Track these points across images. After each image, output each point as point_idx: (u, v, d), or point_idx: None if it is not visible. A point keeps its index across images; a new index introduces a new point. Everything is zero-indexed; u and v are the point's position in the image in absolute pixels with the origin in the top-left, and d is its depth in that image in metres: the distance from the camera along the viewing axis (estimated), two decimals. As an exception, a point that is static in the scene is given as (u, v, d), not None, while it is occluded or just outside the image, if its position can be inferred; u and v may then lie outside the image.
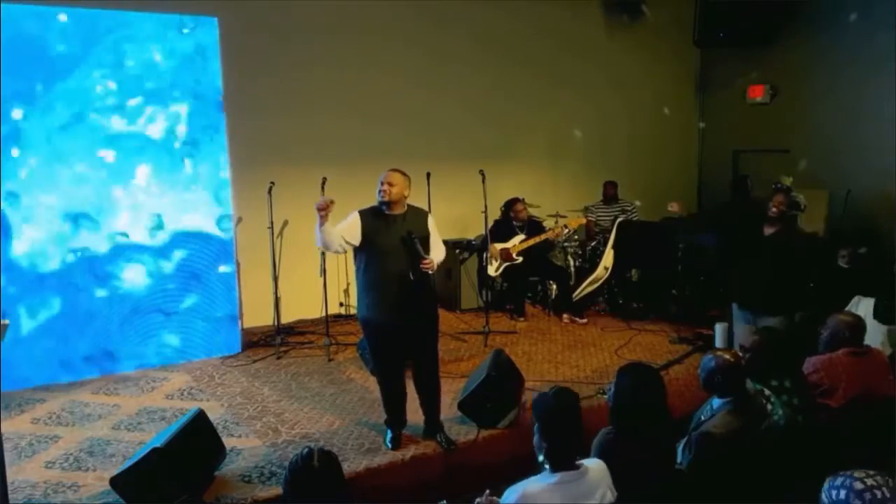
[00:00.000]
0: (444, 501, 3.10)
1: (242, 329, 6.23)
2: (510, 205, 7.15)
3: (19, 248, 5.17)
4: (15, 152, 5.08)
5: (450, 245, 6.32)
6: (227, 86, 5.84)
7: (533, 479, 2.59)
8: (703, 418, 3.30)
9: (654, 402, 3.04)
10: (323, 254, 5.86)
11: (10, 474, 3.53)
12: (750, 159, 8.53)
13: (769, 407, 3.43)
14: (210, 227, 5.83)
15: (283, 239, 6.49)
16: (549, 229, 7.04)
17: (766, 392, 3.49)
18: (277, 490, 3.56)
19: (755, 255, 4.76)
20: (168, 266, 5.67)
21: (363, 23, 6.98)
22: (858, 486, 1.90)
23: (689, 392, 4.70)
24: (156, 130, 5.56)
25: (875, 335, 5.06)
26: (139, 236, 5.55)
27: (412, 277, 3.93)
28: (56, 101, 5.19)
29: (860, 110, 7.45)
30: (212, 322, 5.87)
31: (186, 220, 5.72)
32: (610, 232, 7.35)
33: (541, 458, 2.61)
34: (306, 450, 2.65)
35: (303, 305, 6.65)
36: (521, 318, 6.95)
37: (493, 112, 7.80)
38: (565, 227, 7.13)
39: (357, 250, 4.04)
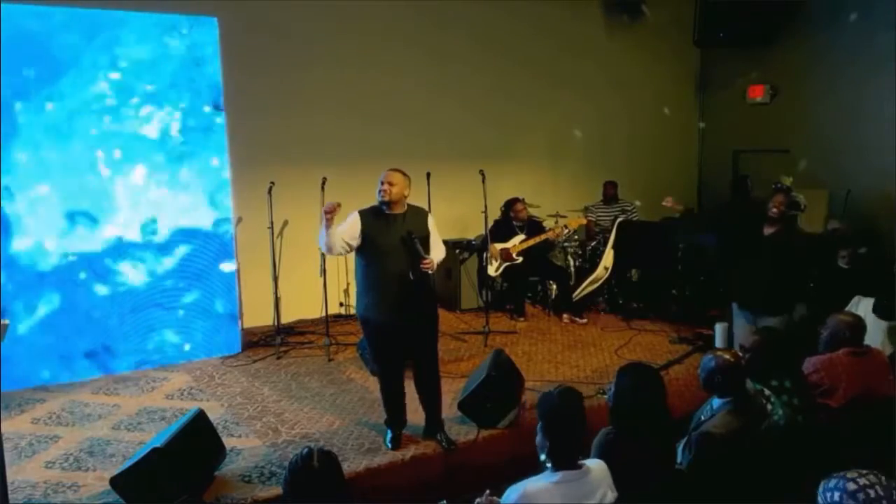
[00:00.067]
0: (444, 501, 3.10)
1: (242, 329, 6.23)
2: (510, 205, 7.15)
3: (19, 245, 5.16)
4: (14, 150, 5.08)
5: (450, 245, 6.32)
6: (227, 86, 5.84)
7: (534, 478, 2.59)
8: (703, 418, 3.30)
9: (654, 402, 3.04)
10: (323, 254, 5.86)
11: (10, 474, 3.53)
12: (750, 159, 8.53)
13: (769, 407, 3.43)
14: (210, 227, 5.83)
15: (283, 239, 6.49)
16: (549, 229, 7.03)
17: (766, 392, 3.49)
18: (277, 490, 3.56)
19: (755, 255, 4.76)
20: (167, 264, 5.66)
21: (363, 23, 6.98)
22: (851, 486, 1.90)
23: (689, 392, 4.70)
24: (155, 130, 5.56)
25: (875, 335, 5.06)
26: (139, 235, 5.55)
27: (412, 277, 3.93)
28: (55, 100, 5.19)
29: (860, 110, 7.45)
30: (212, 320, 5.87)
31: (186, 219, 5.71)
32: (610, 232, 7.35)
33: (542, 457, 2.60)
34: (306, 450, 2.65)
35: (303, 305, 6.65)
36: (521, 318, 6.95)
37: (493, 112, 7.80)
38: (565, 227, 7.13)
39: (357, 250, 4.04)
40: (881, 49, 7.09)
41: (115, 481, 3.48)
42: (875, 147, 7.20)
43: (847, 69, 7.53)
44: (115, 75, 5.38)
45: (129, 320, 5.55)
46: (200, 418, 3.88)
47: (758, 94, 8.28)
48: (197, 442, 3.74)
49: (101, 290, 5.45)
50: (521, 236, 7.01)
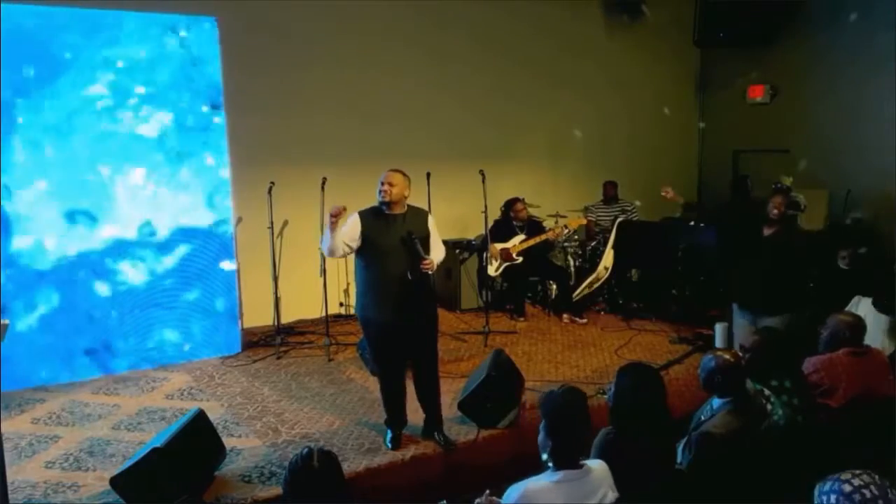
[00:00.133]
0: (444, 501, 3.10)
1: (242, 329, 6.23)
2: (510, 205, 7.15)
3: (18, 244, 5.16)
4: (14, 149, 5.08)
5: (450, 245, 6.32)
6: (227, 86, 5.84)
7: (535, 477, 2.59)
8: (703, 418, 3.30)
9: (654, 402, 3.04)
10: (323, 254, 5.87)
11: (10, 474, 3.53)
12: (750, 159, 8.53)
13: (769, 407, 3.43)
14: (209, 226, 5.83)
15: (283, 239, 6.49)
16: (549, 229, 7.03)
17: (766, 392, 3.49)
18: (277, 490, 3.56)
19: (755, 256, 4.77)
20: (167, 264, 5.66)
21: (363, 23, 6.98)
22: (847, 488, 1.90)
23: (689, 392, 4.70)
24: (154, 129, 5.55)
25: (875, 335, 5.06)
26: (139, 234, 5.55)
27: (412, 277, 3.93)
28: (54, 100, 5.18)
29: (860, 110, 7.45)
30: (212, 320, 5.87)
31: (185, 218, 5.72)
32: (610, 232, 7.35)
33: (545, 456, 2.60)
34: (306, 450, 2.65)
35: (303, 305, 6.65)
36: (521, 318, 6.95)
37: (493, 112, 7.80)
38: (565, 227, 7.13)
39: (357, 251, 4.05)
40: (881, 49, 7.10)
41: (115, 481, 3.48)
42: (875, 147, 7.20)
43: (847, 69, 7.53)
44: (113, 75, 5.37)
45: (129, 319, 5.55)
46: (200, 418, 3.88)
47: (758, 94, 8.28)
48: (197, 442, 3.74)
49: (101, 289, 5.45)
50: (521, 236, 7.01)
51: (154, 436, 3.98)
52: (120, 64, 5.39)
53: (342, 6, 6.87)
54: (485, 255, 6.89)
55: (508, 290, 7.26)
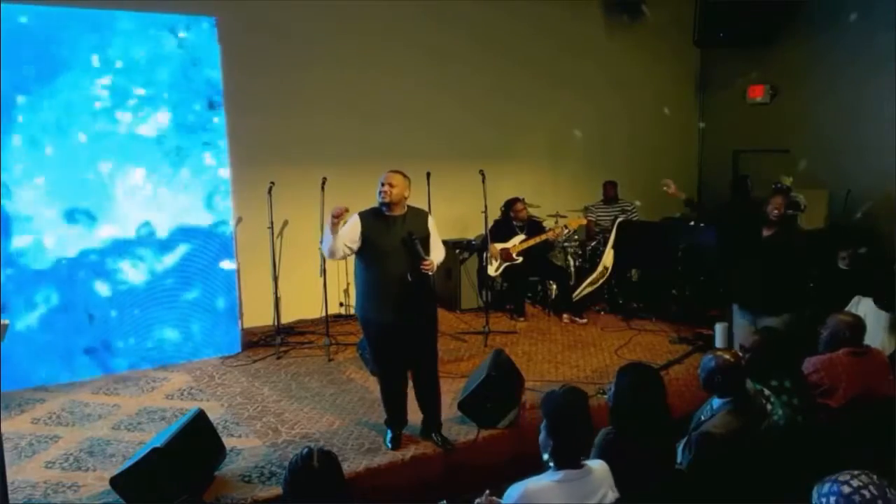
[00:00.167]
0: (444, 501, 3.10)
1: (242, 329, 6.23)
2: (510, 205, 7.15)
3: (18, 243, 5.17)
4: (14, 147, 5.09)
5: (450, 245, 6.32)
6: (227, 86, 5.84)
7: (536, 477, 2.58)
8: (703, 418, 3.30)
9: (654, 402, 3.04)
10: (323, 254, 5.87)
11: (10, 474, 3.53)
12: (750, 159, 8.53)
13: (769, 407, 3.43)
14: (209, 226, 5.83)
15: (283, 239, 6.48)
16: (549, 229, 7.03)
17: (766, 392, 3.49)
18: (277, 490, 3.56)
19: (755, 256, 4.77)
20: (167, 263, 5.67)
21: (363, 23, 6.98)
22: (846, 489, 1.89)
23: (689, 392, 4.70)
24: (153, 128, 5.56)
25: (875, 335, 5.06)
26: (138, 233, 5.55)
27: (412, 278, 3.93)
28: (53, 99, 5.19)
29: (860, 110, 7.45)
30: (212, 319, 5.88)
31: (185, 218, 5.72)
32: (610, 232, 7.35)
33: (546, 456, 2.60)
34: (306, 450, 2.65)
35: (303, 305, 6.65)
36: (521, 318, 6.95)
37: (493, 112, 7.80)
38: (565, 227, 7.13)
39: (357, 251, 4.04)
40: (881, 49, 7.10)
41: (115, 481, 3.48)
42: (875, 147, 7.20)
43: (847, 69, 7.53)
44: (113, 75, 5.38)
45: (129, 318, 5.56)
46: (200, 418, 3.88)
47: (758, 94, 8.28)
48: (197, 442, 3.74)
49: (101, 288, 5.45)
50: (521, 236, 7.01)
51: (154, 436, 3.98)
52: (119, 64, 5.39)
53: (342, 6, 6.87)
54: (485, 255, 6.89)
55: (508, 290, 7.26)
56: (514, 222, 7.10)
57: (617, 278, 7.27)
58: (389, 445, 4.14)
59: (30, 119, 5.14)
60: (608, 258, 7.18)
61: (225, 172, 5.88)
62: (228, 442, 4.14)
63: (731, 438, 3.01)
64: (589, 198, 8.09)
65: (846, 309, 5.04)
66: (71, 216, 5.33)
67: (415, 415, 4.29)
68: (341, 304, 7.07)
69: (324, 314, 6.05)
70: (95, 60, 5.31)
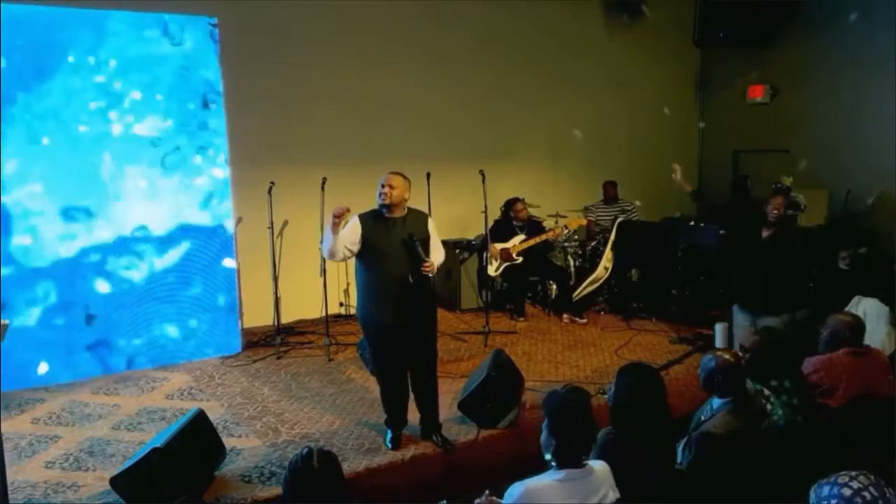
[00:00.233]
0: (444, 501, 3.10)
1: (242, 329, 6.23)
2: (510, 205, 7.15)
3: (18, 241, 5.17)
4: (13, 146, 5.09)
5: (450, 245, 6.33)
6: (227, 86, 5.84)
7: (537, 476, 2.58)
8: (703, 418, 3.30)
9: (654, 402, 3.04)
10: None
11: (10, 474, 3.53)
12: (750, 159, 8.53)
13: (769, 407, 3.43)
14: (208, 225, 5.83)
15: (283, 239, 6.49)
16: (549, 229, 7.03)
17: (766, 392, 3.49)
18: (277, 490, 3.56)
19: (755, 256, 4.78)
20: (166, 261, 5.67)
21: (363, 23, 6.98)
22: (847, 492, 1.88)
23: (689, 392, 4.70)
24: (154, 128, 5.56)
25: (876, 335, 5.07)
26: (138, 232, 5.56)
27: (412, 280, 3.93)
28: (51, 97, 5.19)
29: (860, 110, 7.45)
30: (211, 319, 5.87)
31: (184, 216, 5.72)
32: (610, 232, 7.35)
33: (548, 456, 2.60)
34: (306, 450, 2.65)
35: (303, 305, 6.65)
36: (521, 318, 6.95)
37: (494, 112, 7.80)
38: (565, 227, 7.13)
39: (358, 253, 4.04)
40: (881, 49, 7.10)
41: (115, 481, 3.48)
42: (875, 147, 7.21)
43: (847, 69, 7.53)
44: (113, 74, 5.38)
45: (129, 316, 5.55)
46: (200, 418, 3.88)
47: (758, 94, 8.28)
48: (197, 442, 3.74)
49: (101, 287, 5.45)
50: (521, 236, 7.01)
51: (154, 436, 3.98)
52: (117, 63, 5.38)
53: (342, 6, 6.87)
54: (485, 255, 6.89)
55: (508, 290, 7.26)
56: (514, 222, 7.10)
57: (617, 278, 7.27)
58: (389, 445, 4.14)
59: (29, 117, 5.13)
60: (608, 258, 7.17)
61: (225, 172, 5.87)
62: (228, 442, 4.14)
63: (731, 438, 3.01)
64: (589, 198, 8.09)
65: (846, 309, 5.05)
66: (71, 215, 5.33)
67: (415, 415, 4.28)
68: (341, 304, 7.07)
69: (324, 314, 6.05)
70: (94, 59, 5.30)
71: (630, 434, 2.96)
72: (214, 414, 4.50)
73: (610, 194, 7.88)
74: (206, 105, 5.73)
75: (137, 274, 5.58)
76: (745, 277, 4.87)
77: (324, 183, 5.90)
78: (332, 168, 6.18)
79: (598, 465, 2.66)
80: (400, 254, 3.95)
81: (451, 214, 7.14)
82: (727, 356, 3.26)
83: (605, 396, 3.65)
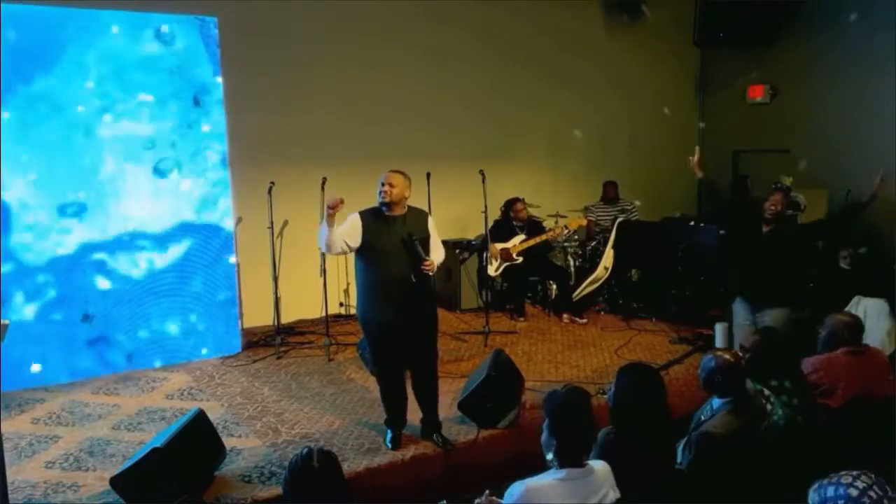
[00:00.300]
0: (444, 501, 3.10)
1: (242, 329, 6.23)
2: (510, 205, 7.15)
3: (18, 239, 5.18)
4: (13, 144, 5.09)
5: (450, 245, 6.33)
6: (227, 86, 5.84)
7: (538, 475, 2.58)
8: (703, 418, 3.30)
9: (654, 402, 3.04)
10: (323, 254, 5.86)
11: (10, 474, 3.53)
12: (750, 159, 8.53)
13: (769, 407, 3.43)
14: (208, 224, 5.84)
15: (283, 239, 6.49)
16: (549, 229, 7.04)
17: (766, 392, 3.49)
18: (277, 490, 3.56)
19: (755, 251, 4.80)
20: (166, 260, 5.67)
21: (363, 23, 6.98)
22: (853, 492, 1.88)
23: (689, 392, 4.70)
24: (154, 127, 5.56)
25: (876, 335, 5.07)
26: (137, 230, 5.56)
27: (413, 279, 3.93)
28: (50, 96, 5.19)
29: (860, 110, 7.44)
30: (212, 319, 5.88)
31: (185, 217, 5.73)
32: (610, 232, 7.35)
33: (549, 456, 2.60)
34: (306, 450, 2.65)
35: (303, 305, 6.65)
36: (521, 318, 6.95)
37: (494, 112, 7.80)
38: (565, 227, 7.13)
39: (358, 251, 4.04)
40: (881, 49, 7.09)
41: (115, 481, 3.48)
42: (875, 147, 7.20)
43: (847, 69, 7.53)
44: (113, 73, 5.39)
45: (128, 317, 5.55)
46: (200, 418, 3.88)
47: (758, 94, 8.28)
48: (197, 442, 3.74)
49: (101, 285, 5.46)
50: (521, 236, 7.01)
51: (154, 436, 3.98)
52: (114, 63, 5.38)
53: (342, 6, 6.87)
54: (485, 255, 6.89)
55: (508, 290, 7.26)
56: (514, 222, 7.10)
57: (617, 278, 7.27)
58: (389, 445, 4.14)
59: (28, 116, 5.14)
60: (608, 258, 7.17)
61: (225, 172, 5.87)
62: (228, 442, 4.14)
63: (731, 438, 3.02)
64: (589, 198, 8.09)
65: (846, 309, 5.06)
66: (70, 213, 5.33)
67: (414, 415, 4.28)
68: (341, 304, 7.07)
69: (324, 314, 6.05)
70: (92, 58, 5.31)
71: (630, 434, 2.96)
72: (214, 414, 4.50)
73: (610, 194, 7.88)
74: (198, 104, 5.71)
75: (137, 274, 5.57)
76: (745, 272, 4.90)
77: (324, 183, 5.90)
78: (332, 168, 6.18)
79: (599, 465, 2.66)
80: (400, 252, 3.94)
81: (451, 214, 7.14)
82: (727, 356, 3.26)
83: (605, 396, 3.65)
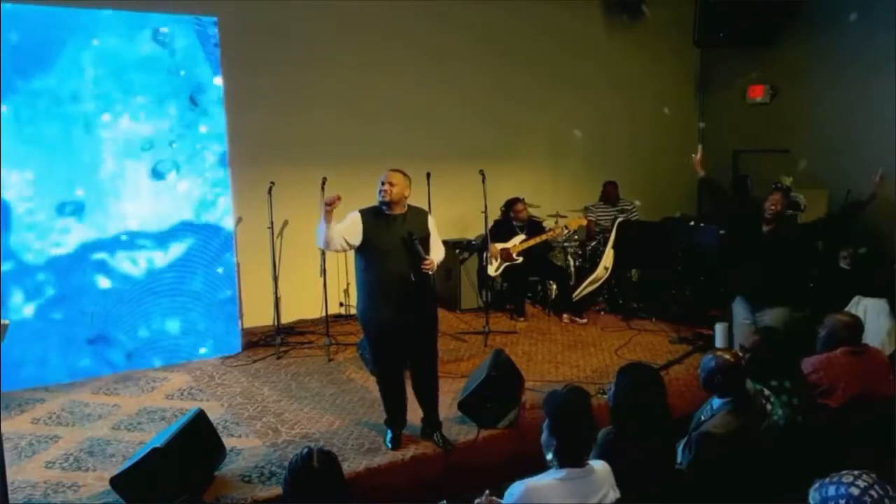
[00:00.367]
0: (444, 501, 3.10)
1: (242, 329, 6.23)
2: (510, 205, 7.15)
3: (18, 238, 5.18)
4: (12, 143, 5.09)
5: (450, 245, 6.32)
6: (228, 86, 5.84)
7: (538, 475, 2.58)
8: (703, 418, 3.30)
9: (654, 402, 3.04)
10: (323, 254, 5.87)
11: (10, 474, 3.53)
12: (750, 159, 8.53)
13: (769, 407, 3.43)
14: (207, 224, 5.84)
15: (283, 239, 6.49)
16: (549, 229, 7.03)
17: (766, 392, 3.49)
18: (277, 490, 3.56)
19: (755, 251, 4.80)
20: (165, 262, 5.67)
21: (363, 23, 6.98)
22: (855, 491, 1.88)
23: (689, 392, 4.70)
24: (153, 127, 5.56)
25: (876, 335, 5.08)
26: (137, 229, 5.56)
27: (413, 278, 3.93)
28: (48, 95, 5.19)
29: (860, 110, 7.44)
30: (212, 318, 5.88)
31: (185, 217, 5.73)
32: (610, 232, 7.35)
33: (549, 456, 2.60)
34: (306, 450, 2.66)
35: (303, 305, 6.65)
36: (521, 318, 6.95)
37: (494, 112, 7.80)
38: (565, 227, 7.13)
39: (357, 250, 4.05)
40: (881, 49, 7.09)
41: (115, 481, 3.48)
42: (875, 147, 7.20)
43: (847, 69, 7.53)
44: (113, 72, 5.39)
45: (127, 317, 5.55)
46: (200, 418, 3.88)
47: (758, 94, 8.28)
48: (197, 442, 3.74)
49: (101, 284, 5.46)
50: (521, 236, 7.01)
51: (154, 436, 3.98)
52: (112, 62, 5.38)
53: (342, 6, 6.87)
54: (485, 255, 6.89)
55: (508, 290, 7.26)
56: (515, 222, 7.10)
57: (617, 278, 7.27)
58: (389, 445, 4.14)
59: (28, 114, 5.14)
60: (608, 258, 7.17)
61: (224, 172, 5.87)
62: (228, 442, 4.14)
63: (731, 438, 3.02)
64: (589, 198, 8.09)
65: (846, 309, 5.06)
66: (69, 212, 5.33)
67: (414, 415, 4.29)
68: (341, 304, 7.07)
69: (324, 314, 6.05)
70: (91, 57, 5.31)
71: (630, 434, 2.96)
72: (214, 414, 4.50)
73: (610, 194, 7.87)
74: (195, 104, 5.71)
75: (136, 274, 5.57)
76: (745, 271, 4.91)
77: (324, 183, 5.90)
78: (332, 168, 6.18)
79: (599, 465, 2.66)
80: (400, 251, 3.94)
81: (451, 214, 7.14)
82: (727, 356, 3.26)
83: (605, 396, 3.65)
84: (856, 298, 5.46)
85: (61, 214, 5.32)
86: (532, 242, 6.91)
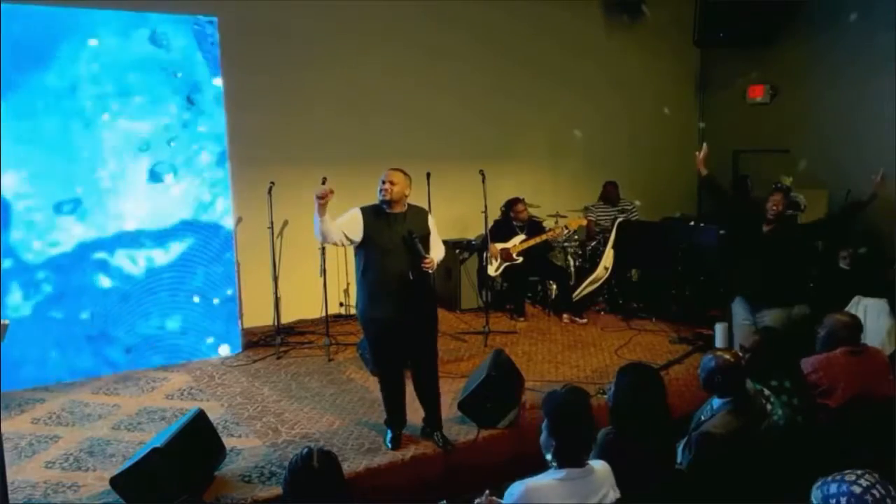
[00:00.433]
0: (444, 501, 3.11)
1: (242, 329, 6.23)
2: (510, 205, 7.15)
3: (18, 237, 5.18)
4: (12, 143, 5.09)
5: (450, 245, 6.32)
6: (228, 85, 5.84)
7: (538, 475, 2.58)
8: (703, 418, 3.30)
9: (654, 402, 3.04)
10: (323, 253, 5.87)
11: (10, 474, 3.53)
12: (750, 159, 8.53)
13: (769, 407, 3.43)
14: (208, 225, 5.83)
15: (283, 239, 6.49)
16: (550, 229, 7.03)
17: (766, 392, 3.49)
18: (277, 490, 3.56)
19: (755, 255, 4.80)
20: (165, 261, 5.67)
21: (363, 23, 6.98)
22: (857, 489, 1.89)
23: (689, 392, 4.70)
24: (153, 126, 5.56)
25: (876, 335, 5.08)
26: (137, 228, 5.56)
27: (412, 277, 3.93)
28: (47, 94, 5.19)
29: (860, 110, 7.44)
30: (211, 318, 5.87)
31: (185, 217, 5.72)
32: (610, 232, 7.35)
33: (548, 456, 2.60)
34: (306, 450, 2.65)
35: (303, 305, 6.65)
36: (521, 318, 6.95)
37: (494, 112, 7.80)
38: (565, 227, 7.13)
39: (357, 249, 4.05)
40: (881, 49, 7.09)
41: (115, 481, 3.48)
42: (875, 147, 7.20)
43: (847, 69, 7.53)
44: (113, 71, 5.39)
45: (128, 313, 5.55)
46: (200, 418, 3.88)
47: (758, 94, 8.27)
48: (197, 442, 3.74)
49: (101, 283, 5.46)
50: (522, 236, 7.01)
51: (154, 436, 3.98)
52: (111, 62, 5.38)
53: (342, 6, 6.87)
54: (485, 255, 6.89)
55: (508, 290, 7.26)
56: (515, 222, 7.10)
57: (617, 278, 7.27)
58: (389, 445, 4.14)
59: (28, 114, 5.14)
60: (608, 258, 7.17)
61: (224, 172, 5.87)
62: (228, 442, 4.14)
63: (731, 438, 3.02)
64: (589, 198, 8.09)
65: (846, 309, 5.06)
66: (68, 211, 5.33)
67: (414, 415, 4.29)
68: (341, 304, 7.07)
69: (324, 314, 6.05)
70: (90, 57, 5.31)
71: (630, 434, 2.96)
72: (214, 414, 4.50)
73: (610, 194, 7.87)
74: (192, 104, 5.70)
75: (136, 274, 5.57)
76: (745, 271, 4.91)
77: (324, 182, 5.83)
78: (332, 168, 6.11)
79: (599, 465, 2.66)
80: (400, 250, 3.95)
81: (451, 214, 7.14)
82: (727, 356, 3.26)
83: (605, 396, 3.65)
84: (856, 298, 5.46)
85: (59, 213, 5.32)
86: (532, 242, 6.91)
